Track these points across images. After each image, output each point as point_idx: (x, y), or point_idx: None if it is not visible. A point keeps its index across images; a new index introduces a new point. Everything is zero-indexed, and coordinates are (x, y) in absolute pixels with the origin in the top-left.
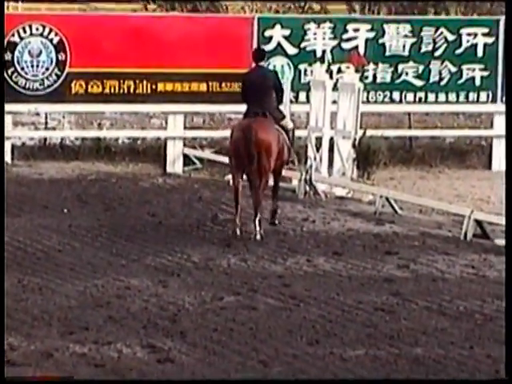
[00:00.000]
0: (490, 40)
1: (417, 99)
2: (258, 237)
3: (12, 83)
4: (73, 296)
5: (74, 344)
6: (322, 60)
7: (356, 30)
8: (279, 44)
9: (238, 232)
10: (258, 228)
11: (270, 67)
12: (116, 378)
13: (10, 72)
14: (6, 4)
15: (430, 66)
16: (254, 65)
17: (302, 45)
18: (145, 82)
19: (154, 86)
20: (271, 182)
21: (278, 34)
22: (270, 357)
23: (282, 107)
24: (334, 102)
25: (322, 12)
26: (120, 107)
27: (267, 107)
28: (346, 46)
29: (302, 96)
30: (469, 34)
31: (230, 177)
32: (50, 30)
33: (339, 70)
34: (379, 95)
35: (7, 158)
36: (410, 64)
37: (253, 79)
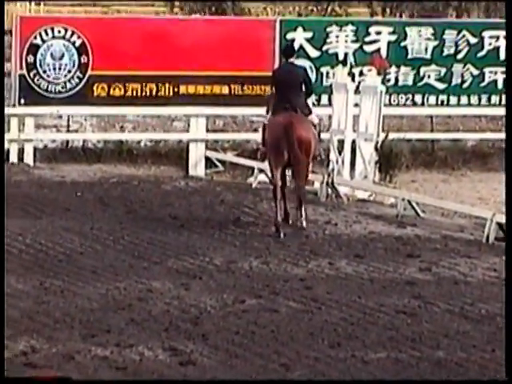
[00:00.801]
0: None
1: (439, 102)
2: (304, 224)
3: (34, 86)
4: (95, 299)
5: (95, 347)
6: (344, 63)
7: (378, 33)
8: (301, 47)
9: (282, 232)
10: (303, 216)
11: None
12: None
13: (32, 74)
14: (28, 6)
15: (452, 68)
16: (284, 61)
17: (324, 47)
18: (167, 85)
19: (176, 89)
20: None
21: (300, 36)
22: (291, 360)
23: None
24: (356, 104)
25: (344, 15)
26: (142, 110)
27: (296, 103)
28: (368, 48)
29: (324, 99)
30: (491, 37)
31: (252, 179)
32: (73, 33)
33: (361, 73)
34: (401, 98)
35: (29, 160)
36: (432, 67)
37: (283, 75)
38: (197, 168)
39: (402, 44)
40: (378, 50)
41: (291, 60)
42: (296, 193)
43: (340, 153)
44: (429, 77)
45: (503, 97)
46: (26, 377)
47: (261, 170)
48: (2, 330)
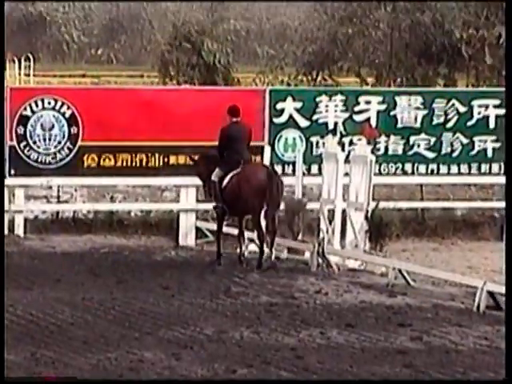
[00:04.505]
0: (502, 111)
1: (429, 171)
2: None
3: (24, 157)
4: (86, 369)
5: None
6: (333, 132)
7: (368, 102)
8: (291, 116)
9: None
10: (273, 255)
11: (282, 140)
12: None
13: (22, 146)
14: (18, 77)
15: (442, 137)
16: (231, 120)
17: (314, 117)
18: (157, 155)
19: (166, 159)
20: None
21: (289, 106)
22: None
23: (293, 179)
24: (347, 174)
25: (334, 84)
26: (132, 180)
27: (246, 156)
28: (357, 118)
29: (314, 168)
30: (480, 106)
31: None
32: (62, 104)
33: (351, 142)
34: (391, 167)
35: (20, 231)
36: (422, 136)
37: (234, 132)
38: (187, 238)
39: (392, 113)
40: (368, 120)
41: (237, 119)
42: (270, 236)
43: (330, 222)
44: (418, 146)
45: (493, 165)
46: (27, 377)
47: (251, 240)
48: (2, 333)
